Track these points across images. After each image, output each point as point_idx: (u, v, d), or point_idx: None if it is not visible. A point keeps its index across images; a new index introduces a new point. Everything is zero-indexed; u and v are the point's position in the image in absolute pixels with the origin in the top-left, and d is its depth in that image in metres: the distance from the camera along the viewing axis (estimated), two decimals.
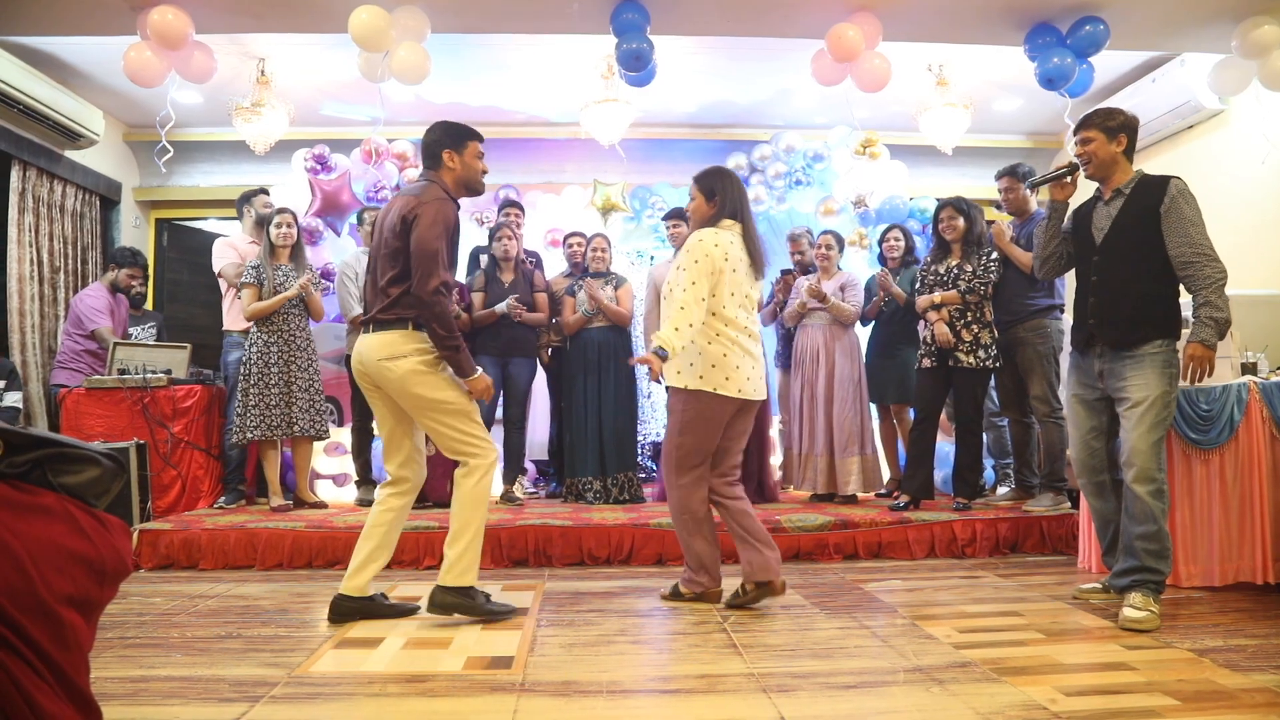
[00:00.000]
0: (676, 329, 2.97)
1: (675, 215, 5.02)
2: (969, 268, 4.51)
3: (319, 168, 6.09)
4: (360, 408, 5.08)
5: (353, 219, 6.03)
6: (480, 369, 3.00)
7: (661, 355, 2.95)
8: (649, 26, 4.79)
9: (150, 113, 5.99)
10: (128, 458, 4.34)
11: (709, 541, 3.23)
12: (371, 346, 2.95)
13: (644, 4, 4.78)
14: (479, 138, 3.11)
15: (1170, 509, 3.10)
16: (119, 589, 1.51)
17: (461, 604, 2.95)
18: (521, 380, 5.20)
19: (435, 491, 4.71)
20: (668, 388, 3.19)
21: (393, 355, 2.91)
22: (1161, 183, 3.06)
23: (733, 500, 3.22)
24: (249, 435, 4.66)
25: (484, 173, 3.13)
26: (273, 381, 4.69)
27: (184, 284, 7.39)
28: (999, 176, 4.73)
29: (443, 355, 2.93)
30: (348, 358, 5.13)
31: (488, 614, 2.98)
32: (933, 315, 4.53)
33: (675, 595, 3.31)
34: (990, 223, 4.77)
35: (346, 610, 3.01)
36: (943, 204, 4.66)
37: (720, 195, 3.17)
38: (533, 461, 5.89)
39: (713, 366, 3.08)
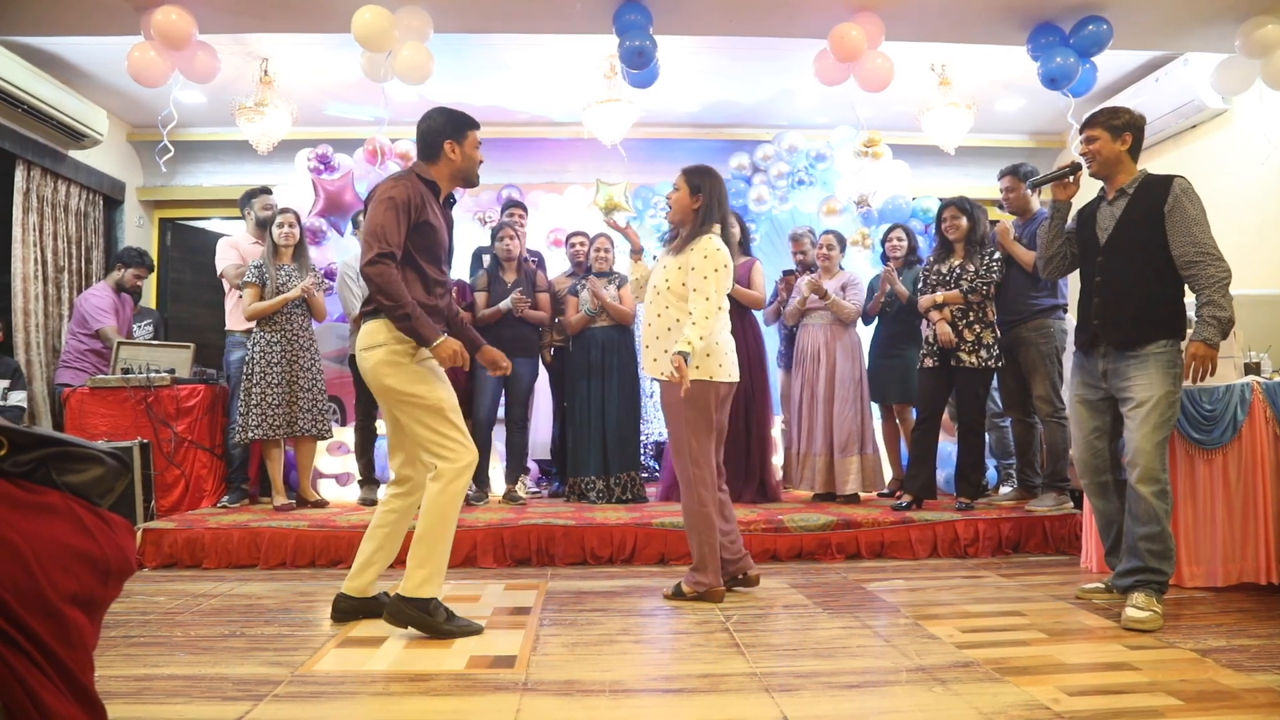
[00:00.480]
0: (701, 337, 3.11)
1: None
2: (972, 267, 4.51)
3: (322, 168, 6.10)
4: (363, 407, 5.08)
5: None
6: (445, 334, 2.85)
7: (687, 359, 3.06)
8: (651, 26, 4.79)
9: (154, 113, 6.00)
10: (131, 457, 4.35)
11: (715, 540, 3.27)
12: (358, 338, 2.91)
13: (646, 5, 4.78)
14: (477, 126, 3.02)
15: (1173, 509, 3.09)
16: (123, 588, 1.51)
17: (418, 618, 2.78)
18: (524, 380, 5.19)
19: None
20: (661, 383, 3.31)
21: (369, 345, 2.84)
22: (1165, 182, 3.06)
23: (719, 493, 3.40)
24: (251, 435, 4.66)
25: (480, 162, 3.05)
26: (275, 381, 4.70)
27: (187, 284, 7.41)
28: (1001, 176, 4.73)
29: (397, 326, 2.78)
30: (350, 357, 5.16)
31: (445, 634, 2.78)
32: (935, 315, 4.53)
33: (678, 595, 3.31)
34: (994, 222, 4.77)
35: (346, 609, 3.01)
36: (946, 203, 4.66)
37: (705, 194, 3.29)
38: (535, 461, 5.90)
39: (708, 355, 3.22)
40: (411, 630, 2.82)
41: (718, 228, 3.29)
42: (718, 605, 3.21)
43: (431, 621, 2.79)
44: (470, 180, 3.04)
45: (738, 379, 3.36)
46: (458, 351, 2.84)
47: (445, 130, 2.95)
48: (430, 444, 2.83)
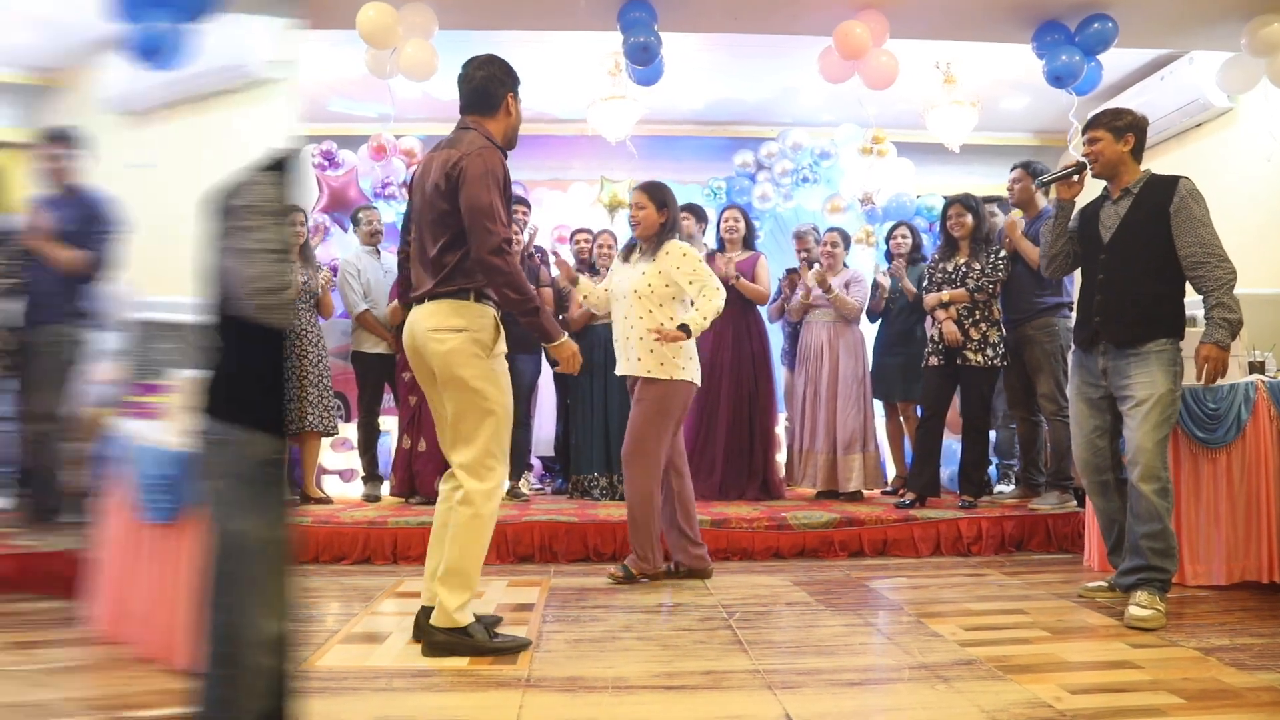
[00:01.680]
0: (706, 318, 3.40)
1: (686, 210, 5.01)
2: (977, 266, 4.50)
3: (326, 164, 6.12)
4: (367, 403, 5.09)
5: None
6: (566, 334, 2.69)
7: (688, 333, 3.34)
8: (656, 23, 4.79)
9: None
10: None
11: (657, 527, 3.53)
12: (421, 317, 2.60)
13: (651, 1, 4.78)
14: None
15: (1176, 507, 3.09)
16: None
17: (458, 643, 2.56)
18: (527, 376, 5.19)
19: (426, 488, 4.75)
20: (643, 380, 3.49)
21: (444, 327, 2.54)
22: (1170, 182, 3.06)
23: (686, 478, 3.65)
24: None
25: None
26: (285, 377, 4.71)
27: None
28: (1014, 168, 4.70)
29: (523, 323, 2.58)
30: (353, 354, 5.17)
31: (493, 651, 2.57)
32: (940, 314, 4.53)
33: (628, 576, 3.54)
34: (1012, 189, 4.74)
35: (434, 640, 2.63)
36: (951, 201, 4.65)
37: (669, 208, 3.55)
38: (538, 458, 5.91)
39: (690, 359, 3.52)
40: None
41: (677, 235, 3.62)
42: (721, 603, 3.22)
43: (473, 642, 2.57)
44: (514, 142, 2.78)
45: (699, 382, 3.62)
46: (576, 354, 2.71)
47: (507, 81, 2.70)
48: (473, 447, 2.58)
